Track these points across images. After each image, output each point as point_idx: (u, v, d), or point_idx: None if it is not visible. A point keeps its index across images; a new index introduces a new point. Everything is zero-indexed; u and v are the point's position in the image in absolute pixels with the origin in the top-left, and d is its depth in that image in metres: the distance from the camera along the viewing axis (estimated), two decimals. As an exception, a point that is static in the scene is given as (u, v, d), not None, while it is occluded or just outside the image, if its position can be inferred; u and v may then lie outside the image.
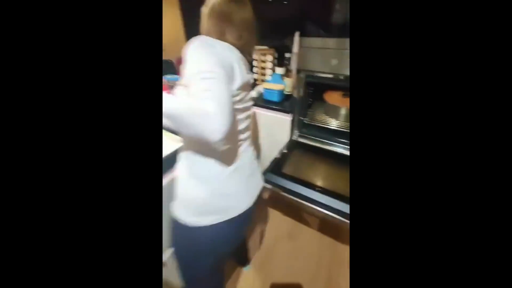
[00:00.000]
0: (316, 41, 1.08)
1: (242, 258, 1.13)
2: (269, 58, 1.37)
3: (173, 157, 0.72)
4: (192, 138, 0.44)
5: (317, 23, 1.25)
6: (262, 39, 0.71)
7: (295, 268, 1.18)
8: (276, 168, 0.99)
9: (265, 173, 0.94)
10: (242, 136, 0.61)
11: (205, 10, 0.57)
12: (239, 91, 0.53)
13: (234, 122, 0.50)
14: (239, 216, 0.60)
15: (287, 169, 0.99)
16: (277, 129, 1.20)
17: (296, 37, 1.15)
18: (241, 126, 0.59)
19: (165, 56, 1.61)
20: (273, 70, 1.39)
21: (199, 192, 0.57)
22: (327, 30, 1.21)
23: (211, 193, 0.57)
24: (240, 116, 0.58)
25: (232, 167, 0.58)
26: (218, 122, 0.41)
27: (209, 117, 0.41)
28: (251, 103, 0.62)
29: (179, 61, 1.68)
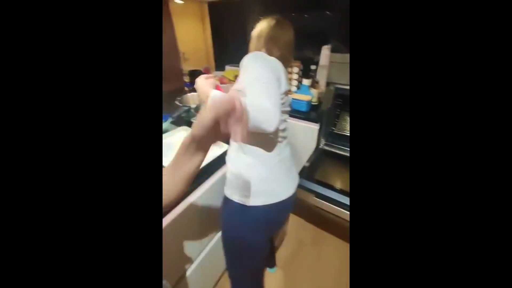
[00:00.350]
0: (342, 57, 1.14)
1: (269, 259, 1.18)
2: (296, 69, 1.44)
3: (219, 158, 0.84)
4: (250, 129, 0.51)
5: (339, 38, 1.30)
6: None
7: (318, 273, 1.21)
8: (306, 173, 1.04)
9: (296, 178, 0.99)
10: (283, 134, 0.70)
11: (255, 33, 0.70)
12: (283, 96, 0.64)
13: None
14: (285, 201, 0.68)
15: (316, 175, 1.05)
16: (303, 137, 1.26)
17: (326, 51, 1.22)
18: (282, 126, 0.69)
19: (189, 66, 1.71)
20: (299, 81, 1.46)
21: (253, 175, 0.65)
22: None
23: (262, 177, 0.65)
24: (282, 117, 0.68)
25: (277, 158, 0.67)
26: (273, 115, 0.49)
27: (266, 111, 0.48)
28: (289, 108, 0.72)
29: (207, 70, 1.79)
